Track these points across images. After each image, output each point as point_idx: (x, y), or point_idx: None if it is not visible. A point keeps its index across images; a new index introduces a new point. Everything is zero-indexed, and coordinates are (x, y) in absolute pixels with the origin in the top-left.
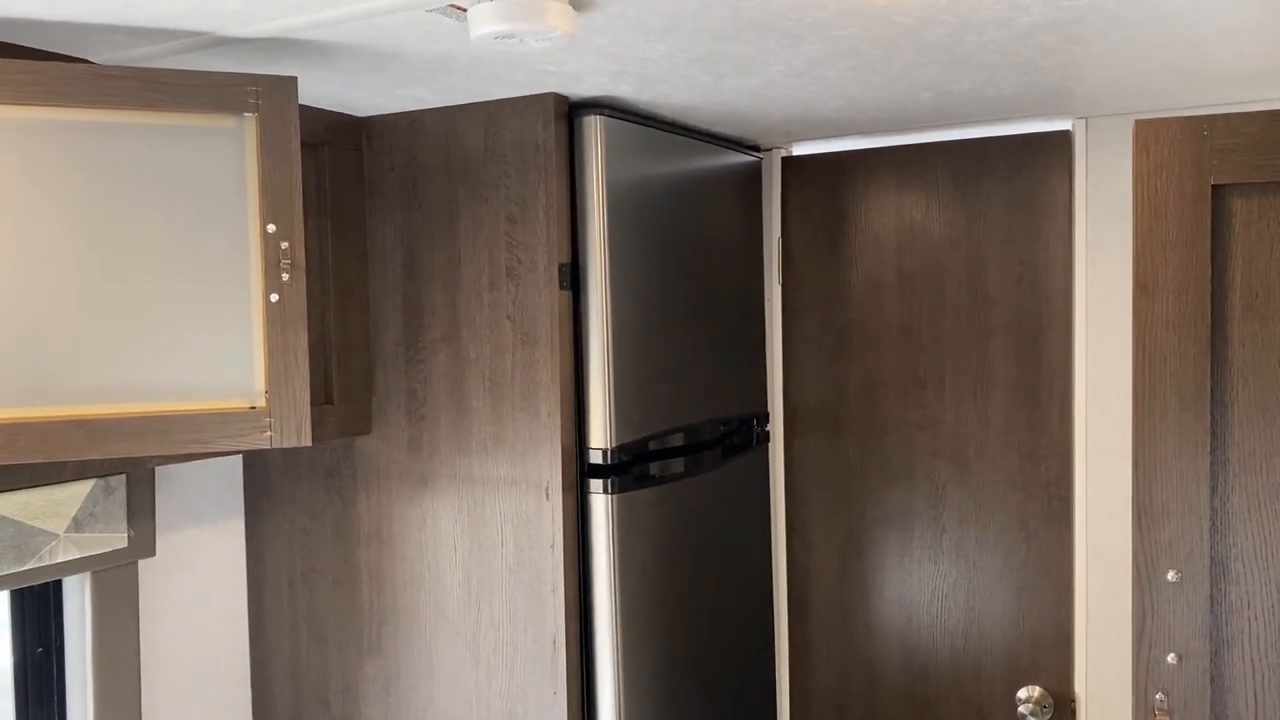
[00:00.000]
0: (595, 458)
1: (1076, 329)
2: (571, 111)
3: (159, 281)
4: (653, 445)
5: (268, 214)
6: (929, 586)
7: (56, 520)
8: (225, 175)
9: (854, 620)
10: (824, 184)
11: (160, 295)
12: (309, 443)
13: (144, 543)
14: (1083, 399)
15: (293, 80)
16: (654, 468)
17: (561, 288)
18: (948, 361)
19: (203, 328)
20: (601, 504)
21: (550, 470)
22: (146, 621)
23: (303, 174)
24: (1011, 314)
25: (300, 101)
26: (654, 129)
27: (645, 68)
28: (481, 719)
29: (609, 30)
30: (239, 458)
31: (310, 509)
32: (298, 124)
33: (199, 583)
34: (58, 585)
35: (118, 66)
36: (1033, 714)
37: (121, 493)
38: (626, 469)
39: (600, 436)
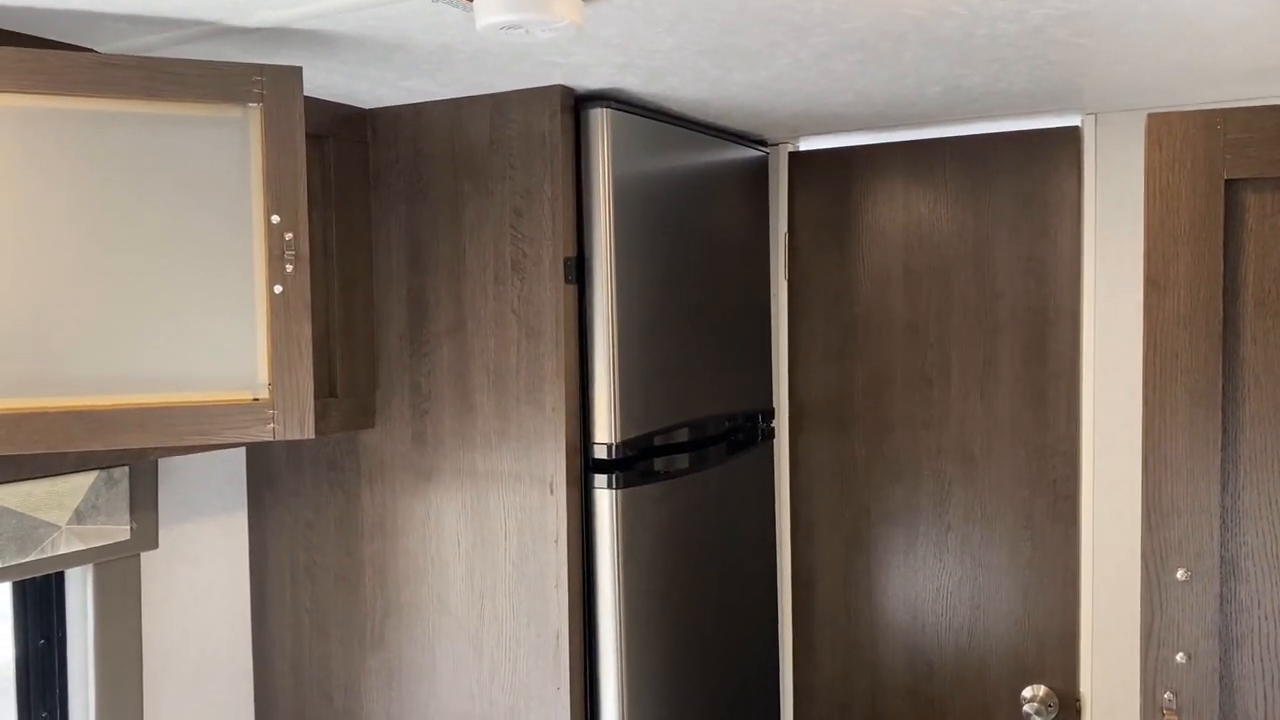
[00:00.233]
0: (600, 453)
1: (1084, 326)
2: (578, 104)
3: (162, 272)
4: (657, 441)
5: (272, 205)
6: (934, 584)
7: (58, 512)
8: (229, 165)
9: (858, 617)
10: (831, 179)
11: (163, 285)
12: (312, 435)
13: (146, 535)
14: (1090, 396)
15: (298, 70)
16: (659, 463)
17: (567, 281)
18: (954, 358)
19: (206, 318)
20: (606, 499)
21: (554, 465)
22: (148, 614)
23: (308, 166)
24: (1019, 311)
25: (305, 93)
26: (661, 123)
27: (653, 60)
28: (484, 714)
29: (616, 21)
30: (242, 451)
31: (313, 503)
32: (302, 114)
33: (201, 575)
34: (60, 577)
35: (122, 56)
36: (1037, 713)
37: (124, 485)
38: (631, 464)
39: (605, 431)
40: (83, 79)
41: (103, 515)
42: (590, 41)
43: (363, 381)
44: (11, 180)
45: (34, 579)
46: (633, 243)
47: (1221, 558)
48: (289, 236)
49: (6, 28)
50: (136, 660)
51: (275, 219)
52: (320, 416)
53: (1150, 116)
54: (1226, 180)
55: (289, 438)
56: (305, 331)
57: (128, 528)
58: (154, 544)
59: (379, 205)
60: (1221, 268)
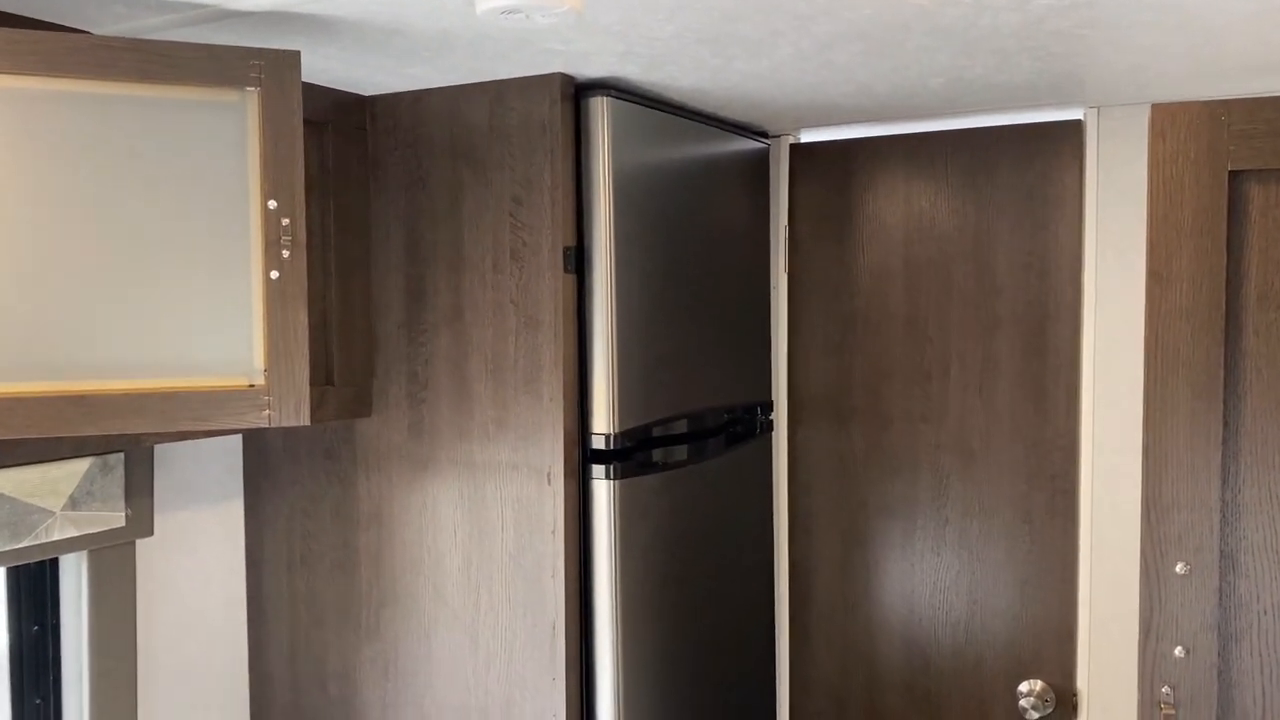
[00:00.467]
0: (598, 443)
1: (1085, 320)
2: (578, 92)
3: (158, 256)
4: (656, 432)
5: (269, 190)
6: (931, 578)
7: (53, 498)
8: (226, 150)
9: (855, 611)
10: (832, 171)
11: (159, 270)
12: (308, 422)
13: (142, 522)
14: (1089, 391)
15: (296, 54)
16: (657, 454)
17: (566, 271)
18: (954, 352)
19: (202, 304)
20: (603, 490)
21: (552, 455)
22: (143, 601)
23: (306, 152)
24: (1019, 305)
25: (304, 79)
26: (661, 112)
27: (653, 48)
28: (480, 704)
29: (617, 7)
30: (239, 439)
31: (310, 491)
32: (300, 98)
33: (197, 563)
34: (54, 564)
35: (117, 38)
36: (1034, 708)
37: (119, 471)
38: (629, 455)
39: (603, 422)
40: (78, 61)
41: (98, 502)
42: (590, 28)
43: (359, 370)
44: (5, 163)
45: (28, 565)
46: (632, 233)
47: (1221, 552)
48: (286, 222)
49: (4, 9)
50: (131, 648)
51: (272, 204)
52: (316, 404)
53: (1154, 107)
54: (1230, 172)
55: (285, 424)
56: (301, 318)
57: (123, 514)
58: (149, 531)
59: (377, 192)
60: (1225, 260)
